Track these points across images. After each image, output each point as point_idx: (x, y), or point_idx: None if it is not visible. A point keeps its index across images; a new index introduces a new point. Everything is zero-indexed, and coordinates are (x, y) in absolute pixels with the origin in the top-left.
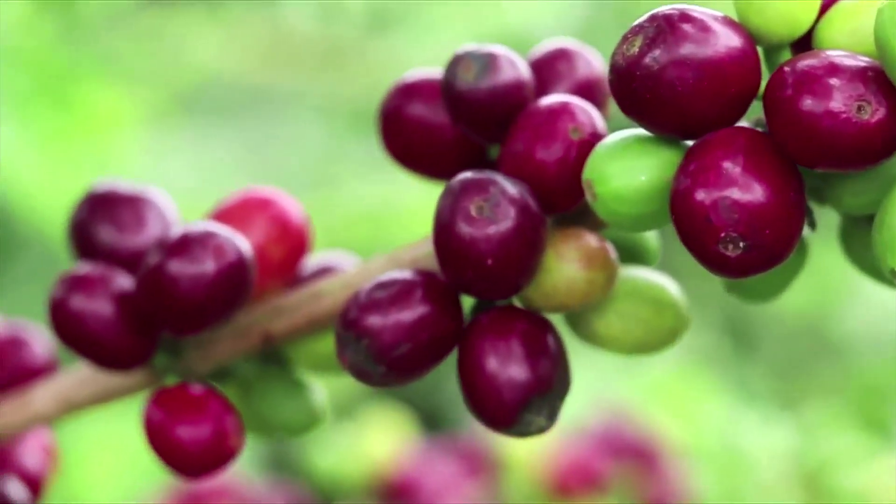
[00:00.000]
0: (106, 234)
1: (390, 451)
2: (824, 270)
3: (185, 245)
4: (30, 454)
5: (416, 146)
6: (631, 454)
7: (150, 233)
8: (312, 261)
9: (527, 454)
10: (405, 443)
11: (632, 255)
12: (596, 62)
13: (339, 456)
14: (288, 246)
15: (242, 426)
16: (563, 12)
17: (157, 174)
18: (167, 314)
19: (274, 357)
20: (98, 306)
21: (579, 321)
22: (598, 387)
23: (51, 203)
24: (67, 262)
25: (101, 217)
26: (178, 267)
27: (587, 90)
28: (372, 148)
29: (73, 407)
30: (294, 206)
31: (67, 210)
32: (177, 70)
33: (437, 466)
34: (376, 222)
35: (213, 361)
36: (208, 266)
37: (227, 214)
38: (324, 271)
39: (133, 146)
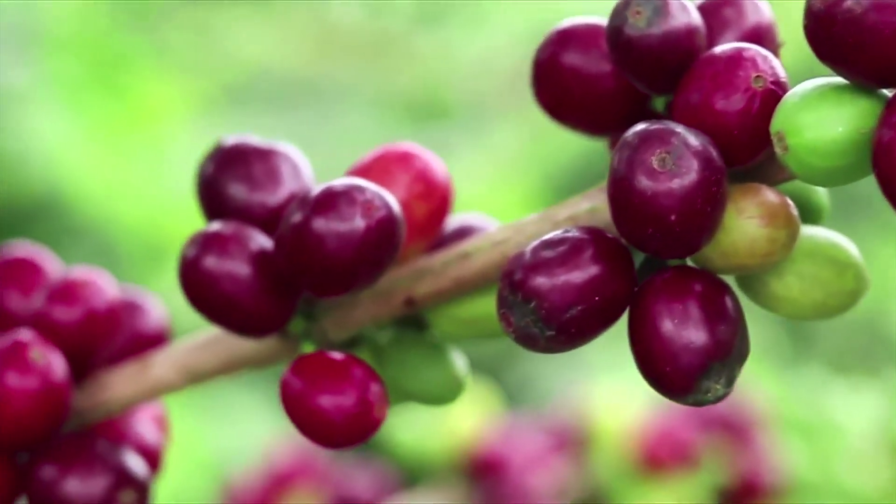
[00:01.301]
0: (237, 190)
1: (476, 427)
2: (881, 267)
3: (332, 201)
4: (145, 427)
5: (572, 97)
6: (720, 426)
7: (285, 189)
8: (449, 222)
9: (615, 427)
10: (490, 418)
11: (801, 212)
12: (765, 8)
13: (423, 432)
14: (432, 204)
15: (387, 394)
16: None
17: None
18: (311, 275)
19: (412, 322)
20: (233, 266)
21: (755, 283)
22: None
23: (102, 191)
24: (118, 250)
25: (231, 172)
26: (324, 224)
27: (756, 38)
28: (423, 139)
29: (196, 377)
30: (437, 160)
31: (118, 199)
32: (227, 62)
33: (523, 442)
34: None
35: (350, 327)
36: (357, 223)
37: (365, 171)
38: (463, 233)
39: (183, 137)
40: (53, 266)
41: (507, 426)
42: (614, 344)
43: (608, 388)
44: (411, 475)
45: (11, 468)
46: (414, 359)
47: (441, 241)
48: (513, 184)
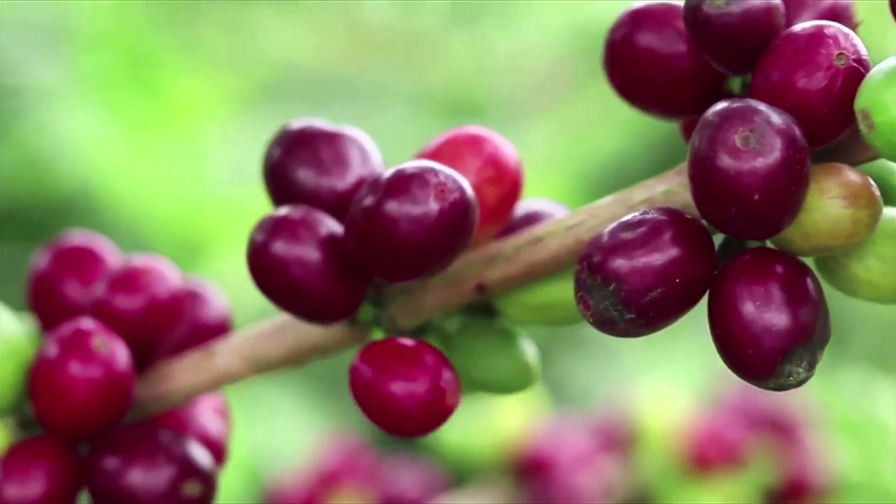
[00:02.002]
0: (305, 175)
1: (522, 426)
2: None
3: (404, 184)
4: (207, 418)
5: (646, 78)
6: (767, 426)
7: (354, 173)
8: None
9: (662, 427)
10: (536, 417)
11: (882, 194)
12: None
13: (469, 431)
14: (503, 188)
15: (459, 382)
16: None
17: (239, 162)
18: (382, 260)
19: (481, 309)
20: (303, 251)
21: (835, 265)
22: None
23: (134, 189)
24: (151, 248)
25: (298, 157)
26: (396, 207)
27: (833, 17)
28: None
29: (261, 367)
30: (507, 145)
31: (151, 196)
32: (260, 60)
33: (570, 441)
34: None
35: (419, 314)
36: (430, 207)
37: (434, 155)
38: (531, 219)
39: (216, 134)
40: (112, 254)
41: (553, 425)
42: (651, 344)
43: (655, 388)
44: (458, 474)
45: (73, 459)
46: (483, 347)
47: (510, 227)
48: (547, 182)
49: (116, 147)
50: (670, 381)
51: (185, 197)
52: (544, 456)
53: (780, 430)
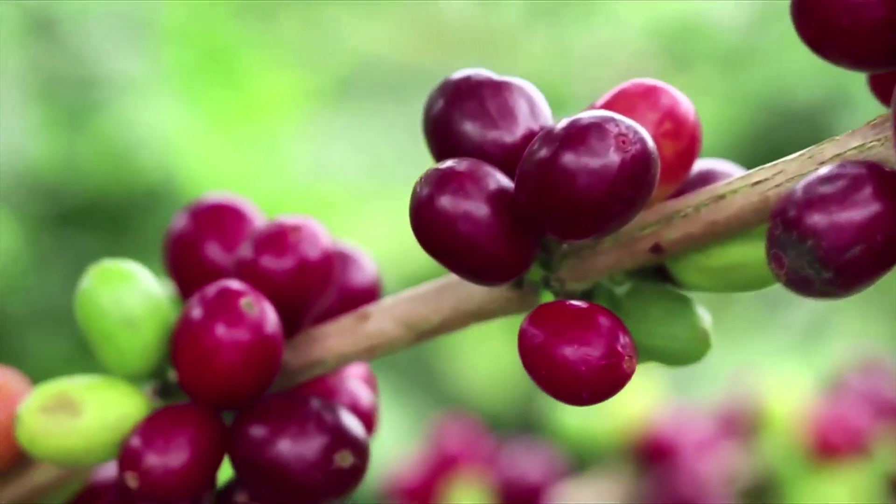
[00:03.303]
0: (469, 127)
1: (644, 411)
2: None
3: (582, 134)
4: (356, 386)
5: (838, 28)
6: (892, 413)
7: (522, 126)
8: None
9: (786, 413)
10: (658, 402)
11: None
12: None
13: (589, 415)
14: (681, 143)
15: (636, 346)
16: None
17: (318, 155)
18: (557, 215)
19: (652, 273)
20: (471, 206)
21: None
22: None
23: (216, 180)
24: None
25: (462, 108)
26: (574, 159)
27: None
28: None
29: (418, 333)
30: (684, 97)
31: (231, 187)
32: (339, 54)
33: (692, 427)
34: None
35: (590, 276)
36: (611, 158)
37: (606, 108)
38: (707, 179)
39: (295, 127)
40: (256, 213)
41: (675, 411)
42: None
43: (778, 374)
44: (578, 459)
45: (218, 428)
46: (656, 312)
47: (685, 187)
48: None
49: (198, 138)
50: (793, 367)
51: (265, 188)
52: (667, 442)
53: None
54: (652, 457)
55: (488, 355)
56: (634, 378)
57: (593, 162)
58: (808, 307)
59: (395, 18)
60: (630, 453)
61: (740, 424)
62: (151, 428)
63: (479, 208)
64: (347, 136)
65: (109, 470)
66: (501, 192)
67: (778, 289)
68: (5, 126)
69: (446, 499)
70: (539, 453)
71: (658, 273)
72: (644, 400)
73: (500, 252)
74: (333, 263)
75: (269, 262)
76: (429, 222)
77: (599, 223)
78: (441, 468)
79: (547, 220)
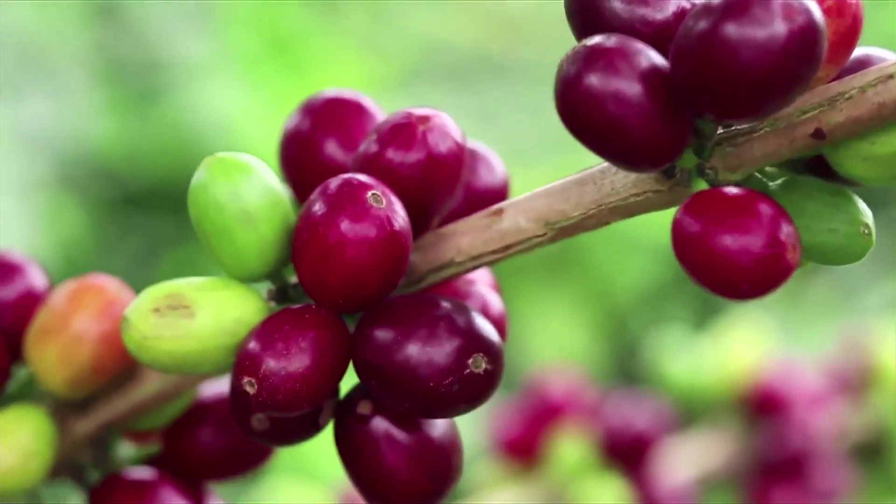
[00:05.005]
0: (616, 4)
1: (752, 363)
2: None
3: (745, 4)
4: (486, 291)
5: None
6: None
7: (674, 2)
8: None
9: None
10: (766, 354)
11: None
12: None
13: (696, 366)
14: (844, 23)
15: (799, 236)
16: None
17: None
18: (718, 92)
19: (808, 164)
20: (622, 85)
21: None
22: None
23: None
24: None
25: None
26: (737, 31)
27: None
28: None
29: (557, 230)
30: None
31: None
32: (404, 40)
33: (802, 381)
34: None
35: (744, 166)
36: (777, 28)
37: None
38: (865, 64)
39: None
40: (377, 108)
41: (784, 364)
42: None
43: (891, 329)
44: (684, 411)
45: (342, 331)
46: (813, 206)
47: (842, 74)
48: None
49: (262, 124)
50: None
51: None
52: (777, 395)
53: None
54: (762, 410)
55: (556, 338)
56: (742, 329)
57: (758, 32)
58: None
59: (460, 5)
60: (738, 406)
61: (851, 380)
62: (271, 331)
63: (631, 87)
64: None
65: (217, 387)
66: (654, 69)
67: None
68: (71, 110)
69: (549, 450)
70: (644, 405)
71: (813, 169)
72: (753, 351)
73: (653, 134)
74: (463, 160)
75: (395, 155)
76: (576, 103)
77: (763, 102)
78: (542, 418)
79: (705, 98)
